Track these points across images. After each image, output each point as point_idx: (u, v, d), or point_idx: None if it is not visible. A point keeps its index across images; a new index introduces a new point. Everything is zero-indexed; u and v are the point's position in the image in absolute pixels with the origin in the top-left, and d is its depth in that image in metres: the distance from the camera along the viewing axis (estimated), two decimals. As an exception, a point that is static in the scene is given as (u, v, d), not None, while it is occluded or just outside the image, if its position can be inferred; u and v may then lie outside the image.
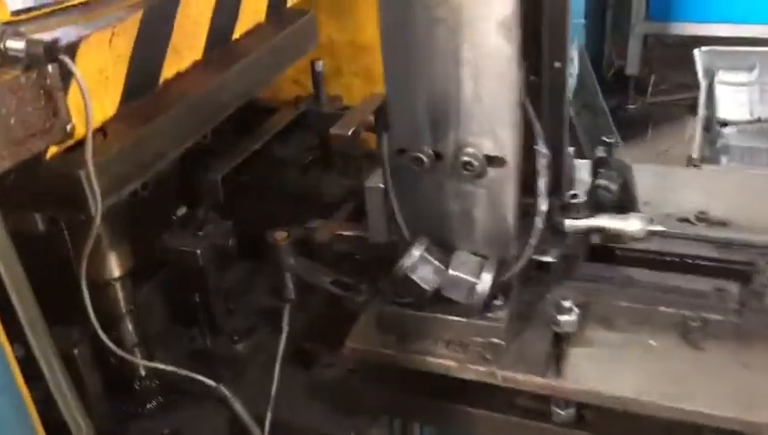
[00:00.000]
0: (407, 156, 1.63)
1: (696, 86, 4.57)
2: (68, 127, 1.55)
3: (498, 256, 1.65)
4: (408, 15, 1.49)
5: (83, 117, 1.61)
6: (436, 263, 1.62)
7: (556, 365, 1.61)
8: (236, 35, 2.26)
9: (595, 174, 1.91)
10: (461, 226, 1.67)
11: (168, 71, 1.94)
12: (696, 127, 4.01)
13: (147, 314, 2.13)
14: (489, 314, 1.66)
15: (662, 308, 1.72)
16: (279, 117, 2.55)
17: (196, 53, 2.07)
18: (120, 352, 1.80)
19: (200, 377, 1.93)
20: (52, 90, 1.48)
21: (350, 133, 2.26)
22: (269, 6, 2.34)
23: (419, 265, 1.62)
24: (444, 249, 1.67)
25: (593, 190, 1.83)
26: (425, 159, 1.60)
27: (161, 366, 1.93)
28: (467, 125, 1.56)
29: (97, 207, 1.55)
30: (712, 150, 4.06)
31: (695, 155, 3.72)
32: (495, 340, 1.66)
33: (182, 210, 2.14)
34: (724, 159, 3.95)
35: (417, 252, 1.61)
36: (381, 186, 1.68)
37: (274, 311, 2.25)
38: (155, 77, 1.90)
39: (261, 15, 2.41)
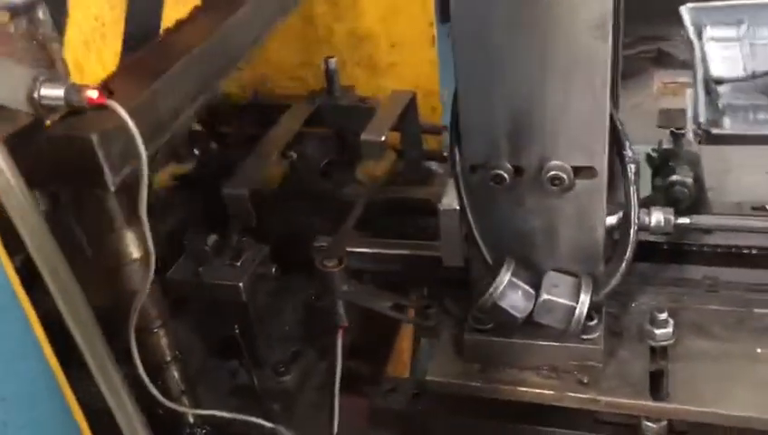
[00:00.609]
0: (482, 172, 1.48)
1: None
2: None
3: (587, 273, 1.52)
4: (487, 19, 1.33)
5: (82, 73, 1.32)
6: (526, 287, 1.49)
7: (662, 386, 1.49)
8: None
9: (661, 168, 1.79)
10: (545, 243, 1.53)
11: (168, 18, 1.68)
12: (696, 90, 3.91)
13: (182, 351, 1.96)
14: (584, 336, 1.54)
15: (757, 310, 1.62)
16: (295, 114, 2.34)
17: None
18: (168, 403, 1.64)
19: (259, 421, 1.78)
20: (45, 41, 1.19)
21: (382, 139, 2.11)
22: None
23: (508, 291, 1.48)
24: (528, 269, 1.53)
25: (669, 187, 1.71)
26: (505, 175, 1.45)
27: (217, 413, 1.77)
28: (554, 136, 1.41)
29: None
30: (712, 111, 3.99)
31: (701, 119, 3.63)
32: (591, 362, 1.54)
33: (212, 238, 1.96)
34: (726, 121, 3.87)
35: (505, 277, 1.47)
36: (456, 207, 1.52)
37: (311, 333, 2.11)
38: (155, 24, 1.62)
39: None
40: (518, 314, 1.49)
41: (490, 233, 1.53)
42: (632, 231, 1.47)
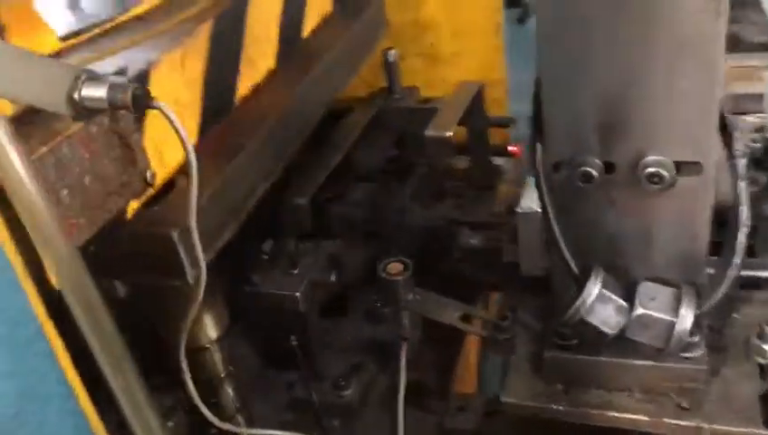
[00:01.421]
0: (567, 170, 1.31)
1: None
2: (147, 175, 1.25)
3: (687, 282, 1.34)
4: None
5: (161, 159, 1.31)
6: (618, 300, 1.31)
7: (779, 412, 1.31)
8: (306, 33, 1.94)
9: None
10: (639, 249, 1.35)
11: (244, 86, 1.63)
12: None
13: (235, 364, 1.84)
14: (684, 354, 1.36)
15: None
16: (355, 118, 2.20)
17: (270, 61, 1.75)
18: (221, 424, 1.52)
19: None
20: (126, 134, 1.18)
21: (448, 135, 1.95)
22: (334, -7, 2.02)
23: (598, 304, 1.31)
24: (618, 279, 1.36)
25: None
26: (594, 172, 1.28)
27: (271, 433, 1.65)
28: (653, 127, 1.23)
29: (198, 271, 1.26)
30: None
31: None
32: (691, 384, 1.36)
33: (268, 244, 1.83)
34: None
35: (594, 289, 1.30)
36: (537, 210, 1.36)
37: (373, 344, 1.97)
38: (231, 95, 1.59)
39: (327, 5, 2.08)
40: (609, 331, 1.31)
41: (575, 238, 1.36)
42: (742, 233, 1.28)
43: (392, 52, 2.29)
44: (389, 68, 2.31)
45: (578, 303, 1.29)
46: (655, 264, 1.36)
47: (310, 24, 1.94)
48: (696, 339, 1.35)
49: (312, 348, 1.84)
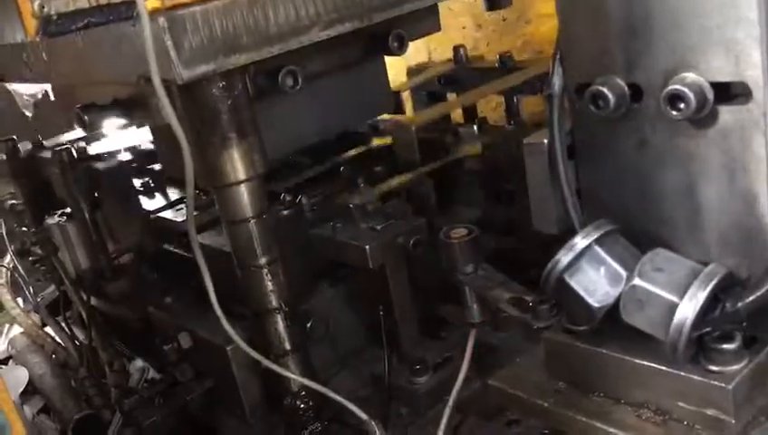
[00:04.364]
0: (586, 95, 1.03)
1: None
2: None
3: (738, 265, 0.94)
4: None
5: None
6: (614, 265, 0.97)
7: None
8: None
9: None
10: (680, 213, 0.99)
11: None
12: None
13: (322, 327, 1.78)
14: (711, 367, 0.94)
15: None
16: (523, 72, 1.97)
17: None
18: (258, 356, 1.47)
19: (354, 408, 1.51)
20: None
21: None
22: None
23: (585, 264, 0.98)
24: (640, 250, 1.01)
25: None
26: (609, 95, 0.98)
27: (312, 385, 1.55)
28: (682, 33, 0.91)
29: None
30: None
31: None
32: (715, 412, 0.93)
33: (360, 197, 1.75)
34: None
35: (582, 241, 0.98)
36: (544, 140, 1.08)
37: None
38: None
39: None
40: (594, 303, 0.97)
41: (593, 189, 1.05)
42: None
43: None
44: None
45: (558, 255, 0.99)
46: (704, 238, 0.98)
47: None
48: (732, 347, 0.92)
49: (395, 322, 1.70)
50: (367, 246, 1.61)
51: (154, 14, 1.05)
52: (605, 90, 0.98)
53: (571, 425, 1.04)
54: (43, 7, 1.30)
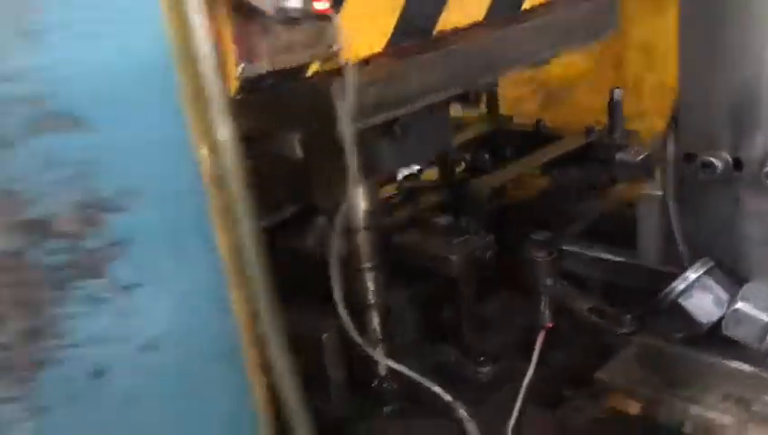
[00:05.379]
0: (697, 162, 1.37)
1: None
2: (334, 47, 1.39)
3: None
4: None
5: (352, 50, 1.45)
6: (720, 292, 1.33)
7: None
8: (526, 6, 1.98)
9: None
10: (761, 254, 1.35)
11: (446, 22, 1.67)
12: None
13: (398, 322, 2.06)
14: (786, 369, 1.31)
15: None
16: (562, 144, 2.37)
17: (479, 13, 1.75)
18: (362, 342, 1.74)
19: (439, 390, 1.80)
20: None
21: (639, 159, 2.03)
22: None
23: (696, 291, 1.33)
24: (735, 281, 1.36)
25: None
26: (718, 164, 1.33)
27: (405, 370, 1.83)
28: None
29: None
30: None
31: None
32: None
33: (448, 218, 2.06)
34: None
35: (693, 274, 1.33)
36: (658, 193, 1.43)
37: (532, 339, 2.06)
38: (430, 24, 1.65)
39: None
40: (702, 319, 1.33)
41: (696, 233, 1.40)
42: None
43: (618, 91, 2.41)
44: (613, 107, 2.43)
45: (676, 282, 1.34)
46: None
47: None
48: (802, 354, 1.30)
49: (463, 320, 2.01)
50: (453, 257, 1.91)
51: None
52: (714, 160, 1.33)
53: (671, 407, 1.39)
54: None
